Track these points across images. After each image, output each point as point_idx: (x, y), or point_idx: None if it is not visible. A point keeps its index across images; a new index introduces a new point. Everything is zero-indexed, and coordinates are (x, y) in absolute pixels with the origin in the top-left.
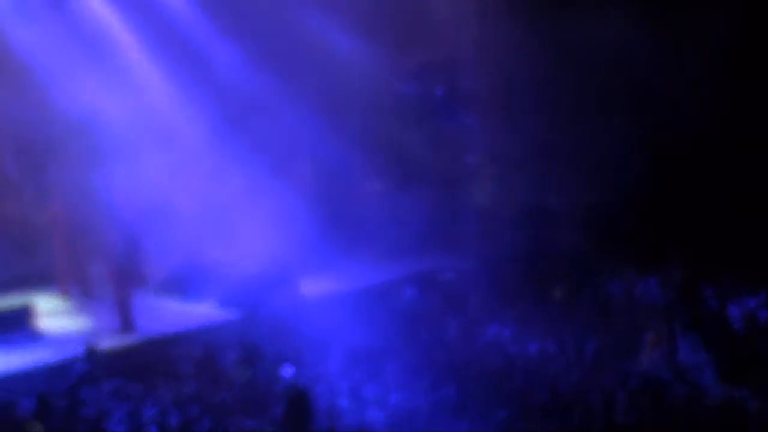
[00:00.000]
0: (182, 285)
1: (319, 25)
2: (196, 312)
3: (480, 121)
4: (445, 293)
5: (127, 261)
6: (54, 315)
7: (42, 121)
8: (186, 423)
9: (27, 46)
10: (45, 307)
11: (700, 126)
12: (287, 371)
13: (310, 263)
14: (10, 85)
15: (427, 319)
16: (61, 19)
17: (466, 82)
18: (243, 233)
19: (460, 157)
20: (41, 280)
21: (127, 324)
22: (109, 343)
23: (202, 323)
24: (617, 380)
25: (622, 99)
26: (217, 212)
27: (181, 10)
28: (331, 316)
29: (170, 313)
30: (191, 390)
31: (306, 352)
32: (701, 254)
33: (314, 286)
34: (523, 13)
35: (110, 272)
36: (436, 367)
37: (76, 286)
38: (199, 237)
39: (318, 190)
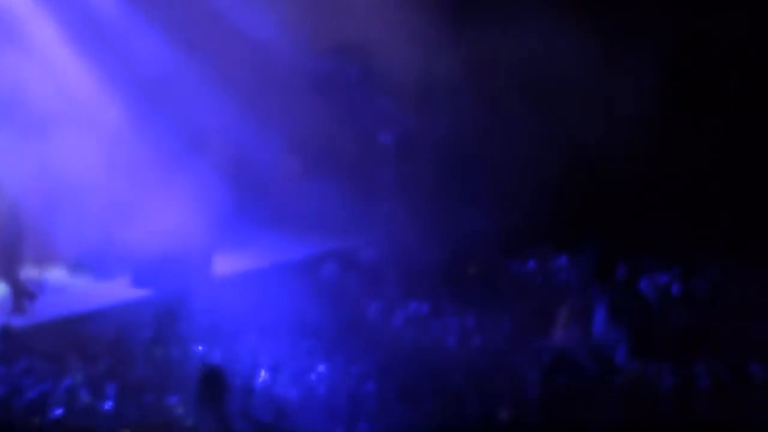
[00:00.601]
0: (95, 264)
1: (235, 6)
2: (109, 291)
3: (395, 103)
4: (364, 271)
5: (13, 241)
6: None
7: None
8: (99, 400)
9: None
10: None
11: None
12: (202, 349)
13: (227, 241)
14: None
15: (345, 296)
16: None
17: (382, 65)
18: (158, 212)
19: (376, 137)
20: None
21: (19, 304)
22: (18, 321)
23: (115, 302)
24: (531, 356)
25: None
26: (131, 191)
27: None
28: (248, 292)
29: (82, 293)
30: (104, 368)
31: (222, 330)
32: (615, 233)
33: (231, 264)
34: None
35: None
36: (354, 345)
37: None
38: (112, 216)
39: (235, 170)
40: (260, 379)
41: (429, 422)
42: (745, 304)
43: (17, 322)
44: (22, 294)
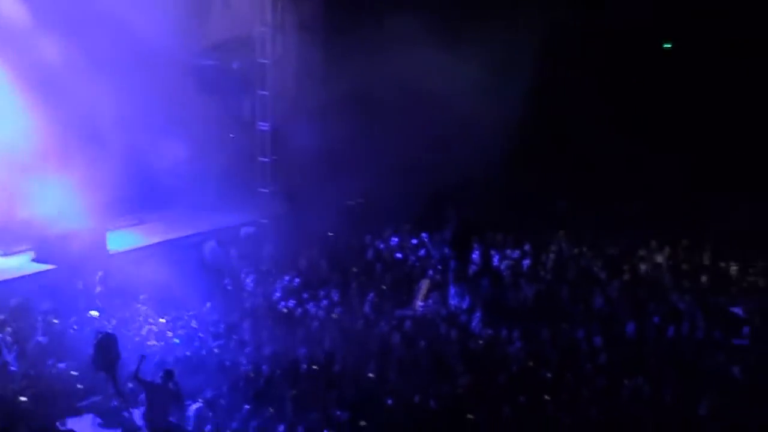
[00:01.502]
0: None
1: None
2: (9, 265)
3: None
4: (244, 246)
5: None
6: None
7: None
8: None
9: None
10: None
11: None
12: (96, 317)
13: (119, 218)
14: None
15: (226, 270)
16: None
17: (261, 58)
18: (57, 194)
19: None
20: None
21: None
22: None
23: (16, 275)
24: (394, 325)
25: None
26: (28, 170)
27: None
28: (139, 266)
29: None
30: (6, 336)
31: (115, 301)
32: (471, 214)
33: (122, 240)
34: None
35: None
36: (234, 314)
37: None
38: (10, 194)
39: (128, 156)
40: (149, 345)
41: (303, 383)
42: (586, 278)
43: None
44: None
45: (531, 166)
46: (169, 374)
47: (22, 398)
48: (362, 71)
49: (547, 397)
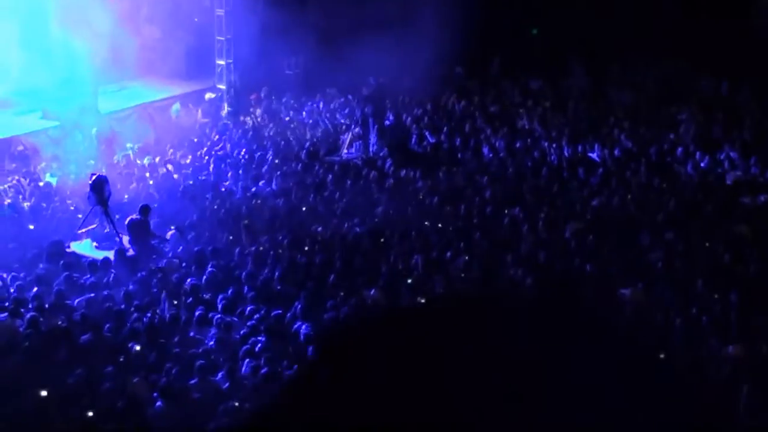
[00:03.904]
0: None
1: None
2: (21, 123)
3: None
4: (207, 107)
5: None
6: None
7: None
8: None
9: None
10: None
11: None
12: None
13: (107, 84)
14: None
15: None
16: None
17: None
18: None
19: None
20: None
21: None
22: None
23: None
24: (327, 167)
25: None
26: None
27: None
28: (123, 123)
29: None
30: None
31: (106, 150)
32: (386, 80)
33: (110, 102)
34: None
35: None
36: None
37: None
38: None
39: (113, 31)
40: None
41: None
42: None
43: None
44: None
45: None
46: (145, 209)
47: (31, 226)
48: None
49: (440, 225)
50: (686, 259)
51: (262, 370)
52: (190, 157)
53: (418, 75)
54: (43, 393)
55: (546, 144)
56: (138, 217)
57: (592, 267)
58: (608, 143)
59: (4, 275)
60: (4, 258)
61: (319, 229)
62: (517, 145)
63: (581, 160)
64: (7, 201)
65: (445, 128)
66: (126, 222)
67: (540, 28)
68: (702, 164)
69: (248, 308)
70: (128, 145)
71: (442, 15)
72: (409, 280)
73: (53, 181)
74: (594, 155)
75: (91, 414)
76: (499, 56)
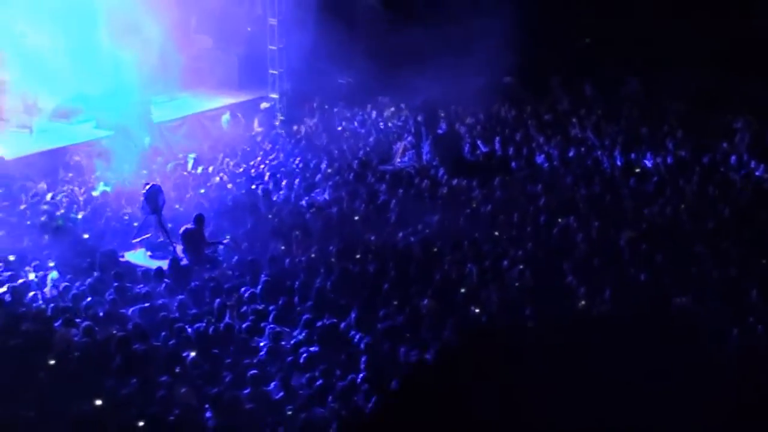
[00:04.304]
0: None
1: None
2: (76, 132)
3: None
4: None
5: None
6: None
7: None
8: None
9: None
10: None
11: None
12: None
13: (159, 94)
14: None
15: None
16: None
17: None
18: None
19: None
20: None
21: None
22: None
23: (79, 141)
24: (380, 176)
25: None
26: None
27: None
28: (175, 133)
29: None
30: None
31: (158, 159)
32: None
33: (162, 111)
34: None
35: None
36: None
37: None
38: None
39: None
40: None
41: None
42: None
43: None
44: None
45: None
46: (200, 219)
47: (85, 235)
48: None
49: (496, 233)
50: (740, 268)
51: (317, 382)
52: (243, 166)
53: (471, 84)
54: (98, 402)
55: (599, 152)
56: (192, 226)
57: (646, 276)
58: (661, 152)
59: (59, 285)
60: (58, 268)
61: (372, 238)
62: (571, 153)
63: (634, 169)
64: (61, 211)
65: (497, 137)
66: (180, 231)
67: (593, 36)
68: (757, 173)
69: (302, 318)
70: (180, 155)
71: (495, 23)
72: (463, 290)
73: (107, 190)
74: (647, 163)
75: (142, 423)
76: (552, 65)
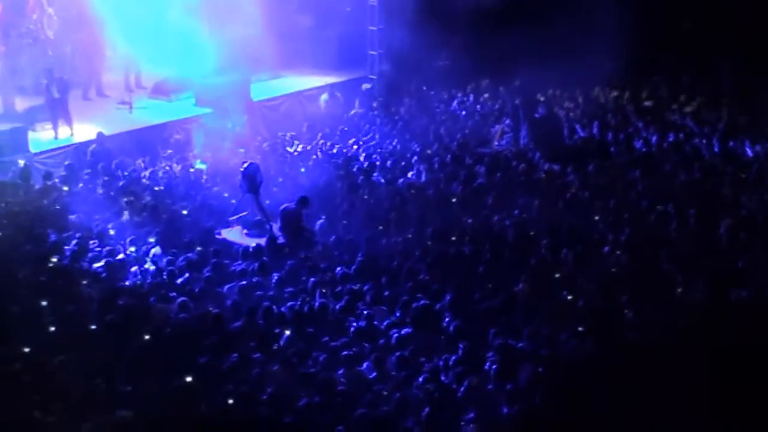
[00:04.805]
0: None
1: None
2: (176, 107)
3: None
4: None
5: None
6: None
7: None
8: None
9: None
10: None
11: None
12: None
13: (259, 73)
14: None
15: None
16: None
17: None
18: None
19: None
20: None
21: None
22: None
23: (181, 117)
24: (477, 158)
25: None
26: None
27: None
28: (274, 112)
29: None
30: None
31: (257, 137)
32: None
33: (261, 90)
34: None
35: None
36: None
37: None
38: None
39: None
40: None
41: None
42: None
43: None
44: None
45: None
46: (304, 201)
47: (184, 212)
48: None
49: (596, 217)
50: None
51: (411, 362)
52: (339, 146)
53: (570, 68)
54: (188, 378)
55: (697, 140)
56: (293, 205)
57: (745, 263)
58: (761, 139)
59: (159, 260)
60: (158, 243)
61: (469, 220)
62: (670, 139)
63: (734, 156)
64: (159, 188)
65: (596, 122)
66: (280, 209)
67: (693, 22)
68: None
69: (396, 298)
70: (279, 133)
71: (594, 7)
72: (557, 275)
73: (203, 167)
74: (747, 150)
75: (232, 401)
76: (651, 50)
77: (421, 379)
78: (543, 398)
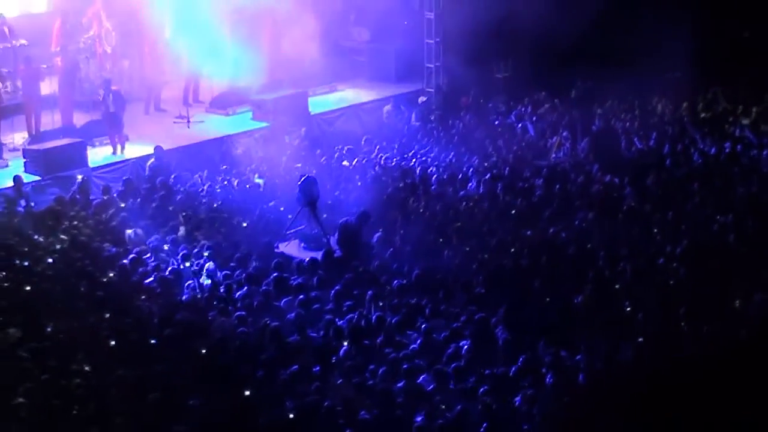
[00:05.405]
0: None
1: None
2: (234, 122)
3: None
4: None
5: None
6: None
7: None
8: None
9: None
10: None
11: None
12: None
13: (317, 87)
14: None
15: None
16: None
17: None
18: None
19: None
20: None
21: None
22: None
23: (239, 130)
24: (534, 171)
25: None
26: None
27: None
28: (332, 125)
29: None
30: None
31: (314, 151)
32: (591, 85)
33: (320, 103)
34: None
35: None
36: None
37: None
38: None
39: (322, 35)
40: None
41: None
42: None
43: None
44: None
45: None
46: (364, 216)
47: (243, 224)
48: None
49: (656, 230)
50: None
51: (468, 375)
52: (397, 159)
53: (628, 79)
54: (247, 392)
55: (755, 152)
56: (353, 219)
57: None
58: None
59: (215, 275)
60: (214, 258)
61: (527, 233)
62: (727, 151)
63: None
64: (218, 203)
65: (653, 133)
66: (339, 223)
67: (752, 31)
68: None
69: (454, 311)
70: (336, 147)
71: (652, 18)
72: (617, 286)
73: (260, 182)
74: None
75: (292, 416)
76: (710, 60)
77: (480, 392)
78: (599, 409)
